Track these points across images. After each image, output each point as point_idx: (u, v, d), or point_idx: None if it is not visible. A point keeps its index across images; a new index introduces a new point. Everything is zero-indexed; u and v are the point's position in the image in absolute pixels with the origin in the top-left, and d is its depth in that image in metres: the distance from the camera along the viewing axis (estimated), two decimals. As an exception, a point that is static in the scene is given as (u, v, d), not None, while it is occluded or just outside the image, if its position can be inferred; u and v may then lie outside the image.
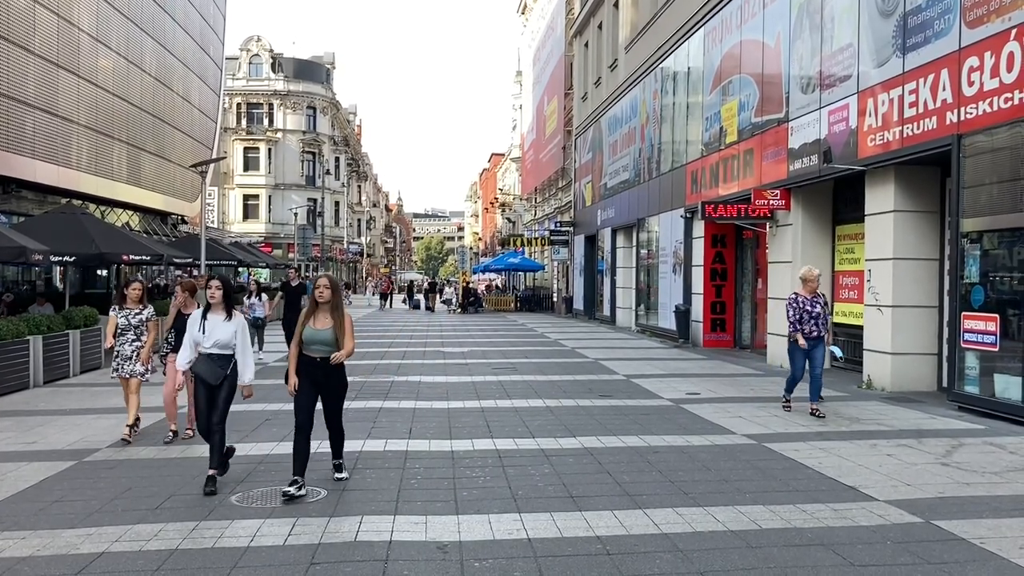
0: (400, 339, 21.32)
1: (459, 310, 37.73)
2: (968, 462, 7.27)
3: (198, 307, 7.30)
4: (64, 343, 13.29)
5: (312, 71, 61.94)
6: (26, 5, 19.51)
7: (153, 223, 29.81)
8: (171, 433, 8.14)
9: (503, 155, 75.55)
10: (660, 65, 22.08)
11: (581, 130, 33.10)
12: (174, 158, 30.20)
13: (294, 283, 16.20)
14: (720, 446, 7.95)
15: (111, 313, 8.39)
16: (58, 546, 5.06)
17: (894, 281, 11.67)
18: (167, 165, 29.66)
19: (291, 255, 47.23)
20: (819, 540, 5.17)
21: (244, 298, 16.71)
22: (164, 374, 8.47)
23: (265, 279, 42.46)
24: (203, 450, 6.39)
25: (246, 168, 57.92)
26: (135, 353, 8.26)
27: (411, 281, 53.98)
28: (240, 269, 34.74)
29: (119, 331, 8.26)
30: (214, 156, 34.76)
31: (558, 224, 37.63)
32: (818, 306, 9.64)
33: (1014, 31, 9.06)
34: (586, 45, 32.79)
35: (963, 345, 10.02)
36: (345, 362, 6.36)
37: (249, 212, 58.33)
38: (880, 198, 12.00)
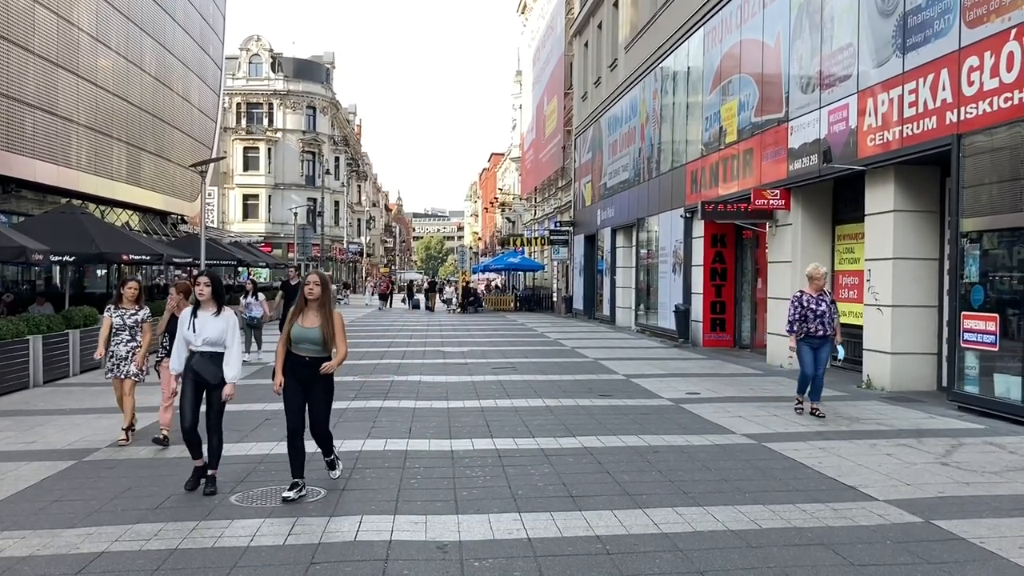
0: (400, 339, 21.32)
1: (459, 310, 37.74)
2: (968, 462, 7.27)
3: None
4: (64, 343, 13.28)
5: (312, 71, 61.93)
6: (26, 5, 19.51)
7: (153, 223, 29.82)
8: (164, 438, 7.99)
9: (503, 155, 75.56)
10: (660, 65, 22.08)
11: (581, 130, 33.10)
12: (174, 158, 30.20)
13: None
14: (720, 446, 7.95)
15: (105, 314, 8.27)
16: (58, 546, 5.06)
17: (894, 281, 11.67)
18: (167, 165, 29.66)
19: (291, 255, 47.22)
20: (819, 540, 5.17)
21: (241, 297, 16.70)
22: (159, 376, 8.33)
23: (265, 279, 42.45)
24: (202, 450, 6.38)
25: (246, 168, 57.92)
26: (131, 353, 8.17)
27: (411, 281, 53.99)
28: (240, 269, 34.74)
29: (114, 331, 8.15)
30: (214, 156, 34.77)
31: (558, 224, 37.64)
32: (823, 304, 9.51)
33: (1014, 31, 9.06)
34: (586, 45, 32.79)
35: (963, 345, 10.02)
36: (344, 361, 6.32)
37: (249, 212, 58.33)
38: (880, 198, 12.00)
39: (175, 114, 30.72)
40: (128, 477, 6.71)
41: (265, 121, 58.79)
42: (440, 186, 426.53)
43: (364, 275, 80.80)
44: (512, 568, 4.69)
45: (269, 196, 58.19)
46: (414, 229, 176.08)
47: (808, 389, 9.71)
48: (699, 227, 18.64)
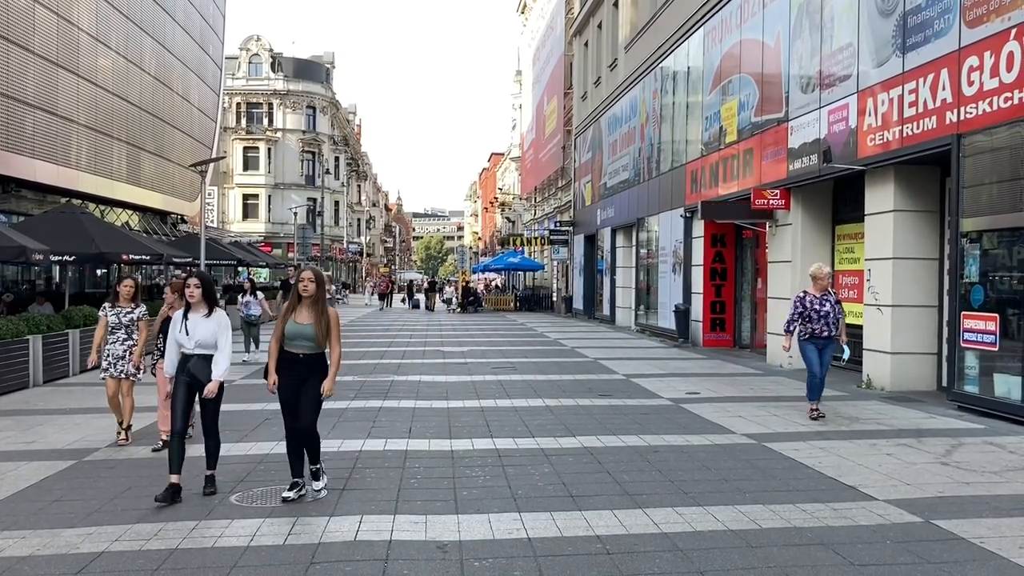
0: (400, 338, 21.32)
1: (459, 310, 37.74)
2: (968, 461, 7.27)
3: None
4: (64, 343, 13.28)
5: (312, 71, 61.93)
6: (26, 4, 19.51)
7: (153, 222, 29.81)
8: (162, 441, 7.96)
9: (503, 155, 75.57)
10: (660, 64, 22.08)
11: (581, 129, 33.10)
12: (174, 157, 30.20)
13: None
14: (720, 445, 7.95)
15: (101, 313, 8.19)
16: (58, 545, 5.05)
17: (894, 281, 11.67)
18: (167, 164, 29.65)
19: (291, 255, 47.25)
20: (819, 539, 5.17)
21: (239, 296, 16.69)
22: (155, 376, 8.27)
23: (265, 279, 42.46)
24: (202, 450, 6.37)
25: (246, 168, 57.91)
26: (127, 352, 8.08)
27: (411, 281, 54.01)
28: (240, 269, 34.75)
29: (110, 329, 8.07)
30: (214, 155, 34.77)
31: (558, 224, 37.65)
32: (827, 305, 9.37)
33: (1014, 31, 9.06)
34: (586, 44, 32.79)
35: (963, 345, 10.02)
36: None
37: (249, 212, 58.33)
38: (880, 198, 12.00)
39: (175, 114, 30.71)
40: (128, 477, 6.71)
41: (265, 121, 58.79)
42: (440, 186, 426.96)
43: (364, 275, 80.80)
44: (512, 568, 4.69)
45: (269, 196, 58.19)
46: (414, 229, 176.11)
47: (799, 385, 9.61)
48: (699, 227, 18.64)
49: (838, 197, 14.34)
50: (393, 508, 5.82)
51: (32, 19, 19.82)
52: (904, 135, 11.04)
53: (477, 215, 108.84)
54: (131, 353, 8.09)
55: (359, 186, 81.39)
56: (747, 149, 16.30)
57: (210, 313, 6.29)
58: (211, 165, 27.54)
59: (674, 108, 21.14)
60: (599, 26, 30.31)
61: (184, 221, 35.08)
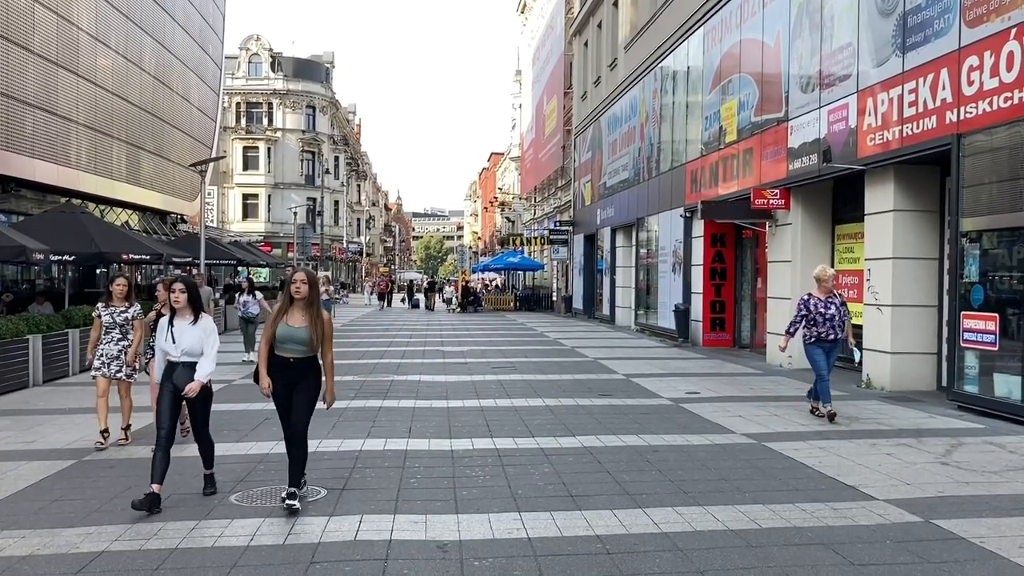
0: (399, 338, 21.32)
1: (458, 309, 37.75)
2: (968, 461, 7.27)
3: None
4: (63, 342, 13.28)
5: (311, 70, 61.92)
6: (26, 4, 19.51)
7: (152, 222, 29.81)
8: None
9: (502, 154, 75.58)
10: (660, 64, 22.08)
11: (581, 129, 33.10)
12: (173, 157, 30.20)
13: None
14: (720, 445, 7.95)
15: (95, 313, 8.11)
16: (58, 545, 5.05)
17: (894, 280, 11.67)
18: (166, 164, 29.65)
19: (291, 254, 47.23)
20: (819, 539, 5.17)
21: (237, 295, 16.68)
22: (149, 376, 8.28)
23: (264, 278, 42.46)
24: (198, 450, 6.35)
25: (245, 167, 57.90)
26: (122, 353, 8.00)
27: (411, 280, 54.03)
28: (240, 268, 34.76)
29: (105, 329, 7.99)
30: (213, 155, 34.78)
31: (557, 223, 37.67)
32: (832, 307, 9.21)
33: (1014, 30, 9.06)
34: (586, 44, 32.79)
35: (963, 344, 10.02)
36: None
37: (248, 211, 58.32)
38: (880, 197, 12.00)
39: (175, 113, 30.71)
40: (128, 476, 6.71)
41: (265, 120, 58.77)
42: (440, 186, 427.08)
43: (363, 274, 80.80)
44: (512, 568, 4.69)
45: (269, 195, 58.18)
46: (414, 229, 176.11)
47: (816, 390, 9.41)
48: (699, 227, 18.64)
49: (838, 197, 14.34)
50: (393, 508, 5.81)
51: (32, 19, 19.81)
52: (904, 135, 11.04)
53: (477, 215, 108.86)
54: (125, 353, 8.02)
55: (359, 186, 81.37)
56: (747, 149, 16.30)
57: (196, 320, 6.08)
58: (211, 165, 27.55)
59: (674, 108, 21.14)
60: (599, 26, 30.31)
61: (184, 221, 35.09)
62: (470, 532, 5.29)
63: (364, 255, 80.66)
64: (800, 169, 13.99)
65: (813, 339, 9.31)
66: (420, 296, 41.88)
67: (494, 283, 53.07)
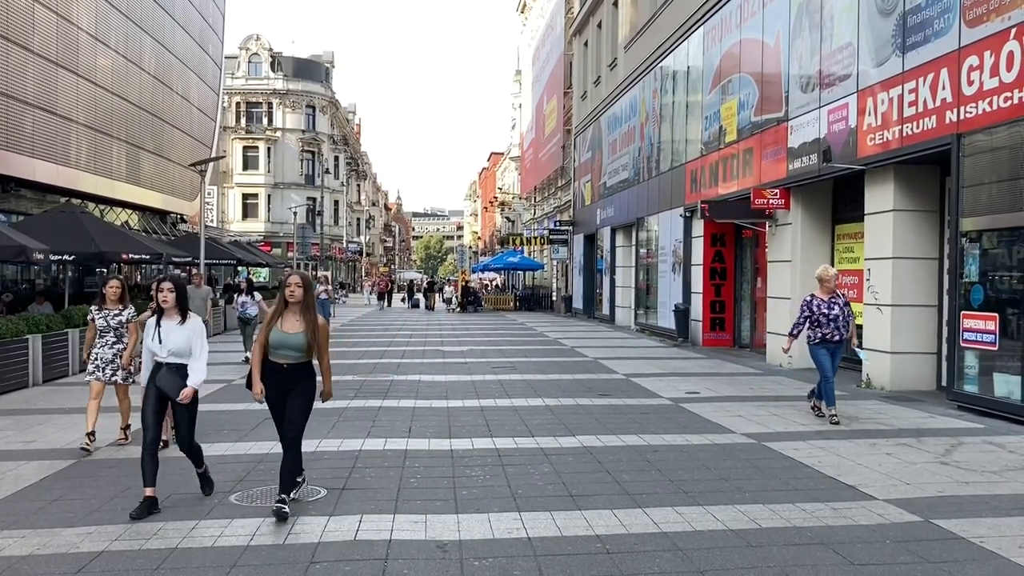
0: (399, 338, 21.32)
1: (458, 309, 37.76)
2: (967, 461, 7.27)
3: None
4: (63, 342, 13.28)
5: (311, 70, 61.92)
6: (26, 4, 19.51)
7: (152, 222, 29.82)
8: (164, 443, 7.89)
9: (502, 154, 75.57)
10: (660, 64, 22.08)
11: (580, 129, 33.10)
12: (173, 157, 30.20)
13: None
14: (719, 445, 7.95)
15: (89, 316, 8.00)
16: (58, 545, 5.05)
17: (893, 280, 11.67)
18: (166, 164, 29.66)
19: (290, 254, 47.21)
20: (819, 539, 5.17)
21: (236, 295, 16.67)
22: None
23: (264, 278, 42.45)
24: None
25: (245, 167, 57.90)
26: (117, 356, 7.91)
27: (411, 280, 54.03)
28: (239, 268, 34.77)
29: (99, 332, 7.89)
30: (213, 155, 34.78)
31: (557, 223, 37.67)
32: (835, 308, 9.11)
33: (1014, 30, 9.06)
34: (585, 44, 32.79)
35: (962, 344, 10.02)
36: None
37: (248, 211, 58.32)
38: (880, 197, 12.00)
39: (174, 113, 30.72)
40: (128, 476, 6.69)
41: (264, 120, 58.77)
42: (440, 186, 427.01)
43: (363, 274, 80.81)
44: (512, 567, 4.69)
45: (268, 195, 58.18)
46: (413, 228, 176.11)
47: (819, 391, 9.36)
48: (699, 226, 18.64)
49: (838, 197, 14.34)
50: (393, 508, 5.81)
51: (32, 18, 19.81)
52: (904, 135, 11.04)
53: (477, 215, 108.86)
54: (120, 356, 7.93)
55: (359, 185, 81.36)
56: (747, 149, 16.30)
57: (184, 320, 5.92)
58: (211, 164, 27.53)
59: (674, 107, 21.14)
60: (599, 25, 30.31)
61: (184, 220, 35.10)
62: (470, 532, 5.29)
63: (364, 255, 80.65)
64: (800, 169, 13.99)
65: (818, 340, 9.21)
66: (420, 296, 41.88)
67: (494, 283, 53.07)
